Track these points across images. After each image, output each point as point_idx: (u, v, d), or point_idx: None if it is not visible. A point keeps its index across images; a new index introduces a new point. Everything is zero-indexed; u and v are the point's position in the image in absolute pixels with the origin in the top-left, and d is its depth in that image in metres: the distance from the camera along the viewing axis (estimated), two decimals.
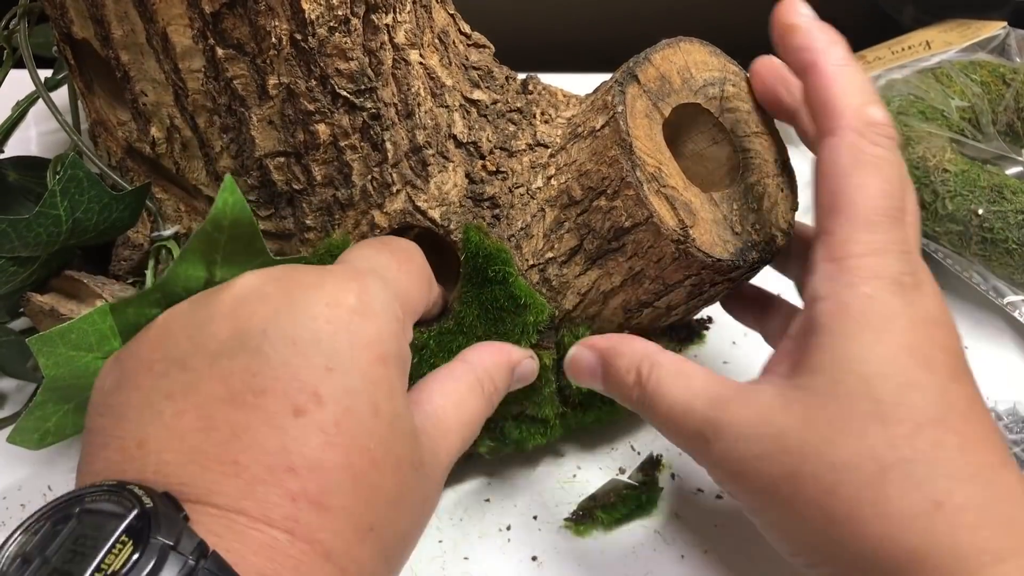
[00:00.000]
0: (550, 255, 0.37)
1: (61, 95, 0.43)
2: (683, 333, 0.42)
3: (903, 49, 0.66)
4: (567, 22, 0.81)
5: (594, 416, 0.42)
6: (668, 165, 0.35)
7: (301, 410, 0.24)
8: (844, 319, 0.29)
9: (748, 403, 0.30)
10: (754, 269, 0.37)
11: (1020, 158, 0.59)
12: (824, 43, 0.32)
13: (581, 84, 0.42)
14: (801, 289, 0.37)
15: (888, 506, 0.26)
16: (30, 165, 0.44)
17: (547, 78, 0.42)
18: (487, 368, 0.33)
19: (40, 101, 0.40)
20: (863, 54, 0.67)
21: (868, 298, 0.28)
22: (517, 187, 0.38)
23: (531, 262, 0.38)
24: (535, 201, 0.38)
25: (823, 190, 0.30)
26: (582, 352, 0.35)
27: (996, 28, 0.64)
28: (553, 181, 0.37)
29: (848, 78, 0.31)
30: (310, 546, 0.23)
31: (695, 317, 0.45)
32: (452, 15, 0.38)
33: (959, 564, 0.25)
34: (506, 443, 0.41)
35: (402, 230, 0.37)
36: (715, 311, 0.43)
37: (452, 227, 0.37)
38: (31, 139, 0.59)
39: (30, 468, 0.43)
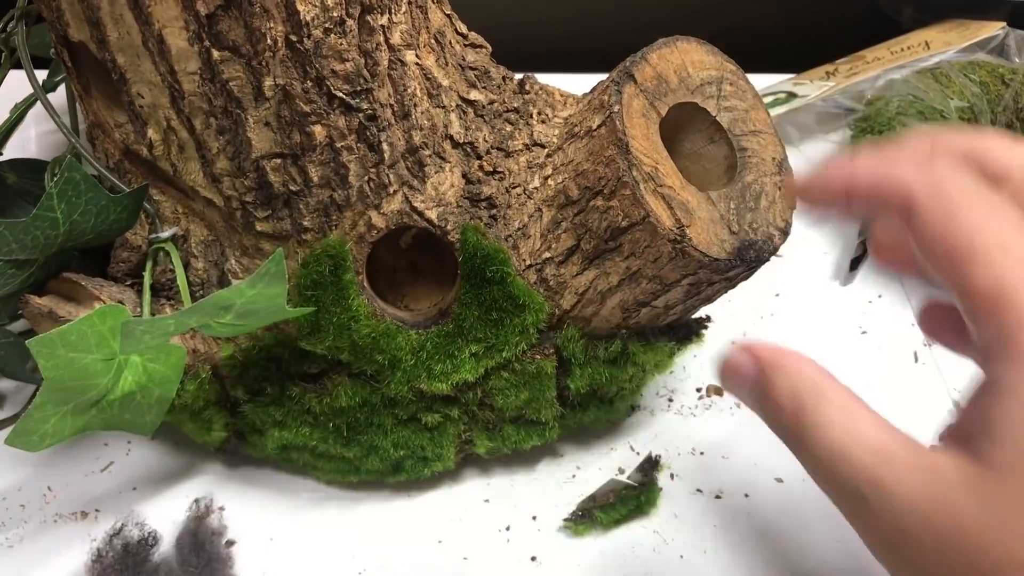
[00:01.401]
0: (547, 255, 0.37)
1: (59, 97, 0.43)
2: (682, 332, 0.42)
3: (902, 49, 0.66)
4: (566, 22, 0.81)
5: (592, 416, 0.42)
6: (665, 164, 0.35)
7: None
8: None
9: (924, 470, 0.26)
10: (752, 268, 0.37)
11: None
12: (852, 162, 0.29)
13: (579, 84, 0.42)
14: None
15: None
16: (29, 167, 0.44)
17: (545, 78, 0.42)
18: None
19: (38, 103, 0.40)
20: (862, 54, 0.67)
21: None
22: (514, 187, 0.38)
23: (528, 262, 0.38)
24: (532, 201, 0.38)
25: (940, 260, 0.27)
26: (742, 357, 0.31)
27: (995, 28, 0.64)
28: (550, 181, 0.37)
29: (890, 159, 0.28)
30: None
31: (693, 316, 0.45)
32: (448, 15, 0.38)
33: None
34: (505, 444, 0.41)
35: (399, 231, 0.37)
36: (714, 310, 0.43)
37: (449, 227, 0.37)
38: (30, 140, 0.59)
39: (30, 469, 0.43)
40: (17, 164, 0.44)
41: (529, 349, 0.38)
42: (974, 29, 0.65)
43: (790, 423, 0.29)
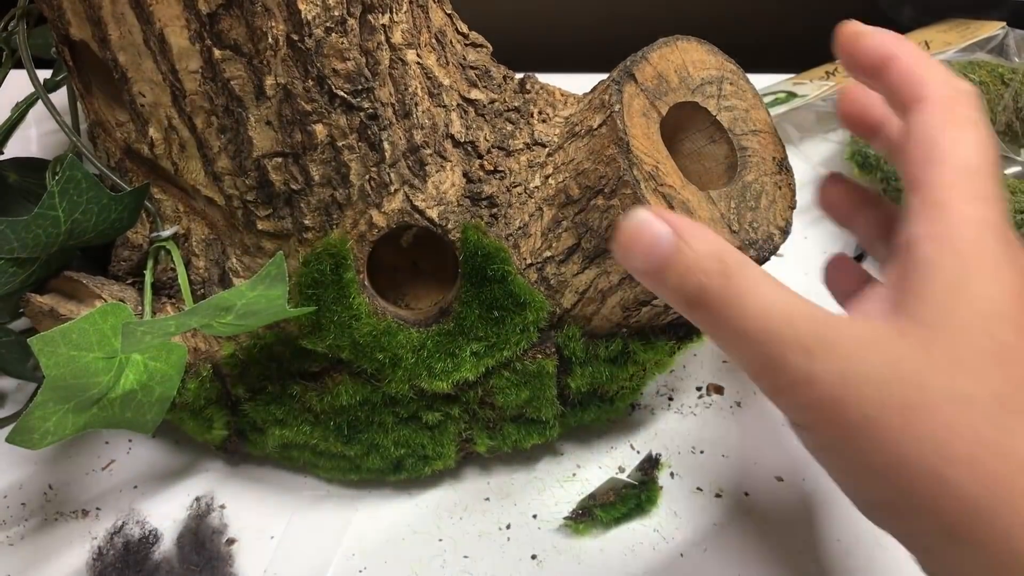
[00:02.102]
0: (548, 254, 0.37)
1: (60, 96, 0.43)
2: (682, 331, 0.42)
3: None
4: (566, 22, 0.81)
5: (593, 415, 0.42)
6: (665, 163, 0.35)
7: None
8: (955, 257, 0.27)
9: (858, 322, 0.28)
10: None
11: (1019, 158, 0.58)
12: (897, 38, 0.32)
13: (579, 84, 0.42)
14: (869, 246, 0.37)
15: (1013, 447, 0.25)
16: (30, 166, 0.44)
17: (546, 78, 0.42)
18: None
19: (40, 102, 0.40)
20: None
21: (977, 241, 0.28)
22: (515, 186, 0.38)
23: (529, 261, 0.38)
24: (533, 200, 0.38)
25: (916, 147, 0.30)
26: (650, 221, 0.29)
27: (995, 28, 0.64)
28: (551, 180, 0.37)
29: (928, 60, 0.31)
30: None
31: None
32: (449, 15, 0.38)
33: None
34: (505, 443, 0.41)
35: (400, 230, 0.38)
36: None
37: (450, 226, 0.37)
38: (31, 139, 0.59)
39: (31, 467, 0.43)
40: (18, 163, 0.44)
41: (530, 348, 0.38)
42: (974, 29, 0.65)
43: (717, 285, 0.28)
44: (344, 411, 0.38)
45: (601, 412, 0.42)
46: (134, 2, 0.31)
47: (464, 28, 0.39)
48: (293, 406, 0.39)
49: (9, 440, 0.34)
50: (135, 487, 0.43)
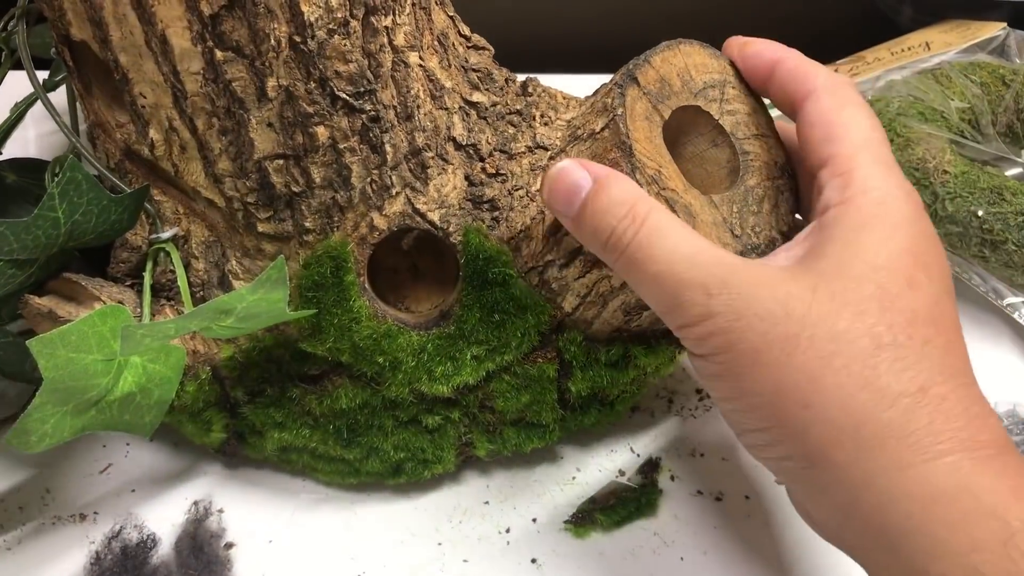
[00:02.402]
0: (549, 257, 0.37)
1: (59, 96, 0.43)
2: None
3: (903, 50, 0.65)
4: (566, 22, 0.81)
5: (593, 418, 0.42)
6: (668, 167, 0.35)
7: None
8: (857, 216, 0.30)
9: (756, 266, 0.30)
10: None
11: (1020, 159, 0.58)
12: (779, 45, 0.36)
13: (580, 84, 0.42)
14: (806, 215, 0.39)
15: (877, 381, 0.28)
16: (29, 167, 0.44)
17: (546, 79, 0.42)
18: None
19: (39, 103, 0.40)
20: (862, 55, 0.67)
21: (879, 202, 0.30)
22: (516, 189, 0.38)
23: (530, 264, 0.37)
24: (535, 203, 0.37)
25: (815, 130, 0.33)
26: (572, 168, 0.32)
27: (996, 29, 0.64)
28: None
29: (809, 60, 0.35)
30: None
31: None
32: (451, 17, 0.38)
33: (934, 445, 0.27)
34: (505, 446, 0.41)
35: (401, 233, 0.37)
36: None
37: (451, 229, 0.37)
38: (29, 140, 0.59)
39: (28, 471, 0.43)
40: (17, 164, 0.44)
41: (531, 352, 0.38)
42: (974, 30, 0.65)
43: (627, 226, 0.30)
44: (344, 414, 0.38)
45: (601, 416, 0.42)
46: (136, 3, 0.31)
47: (466, 30, 0.39)
48: (292, 409, 0.39)
49: (8, 442, 0.34)
50: (133, 491, 0.43)
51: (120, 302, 0.36)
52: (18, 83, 0.43)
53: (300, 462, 0.41)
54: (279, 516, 0.42)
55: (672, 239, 0.30)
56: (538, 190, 0.36)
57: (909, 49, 0.65)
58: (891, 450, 0.27)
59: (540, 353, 0.38)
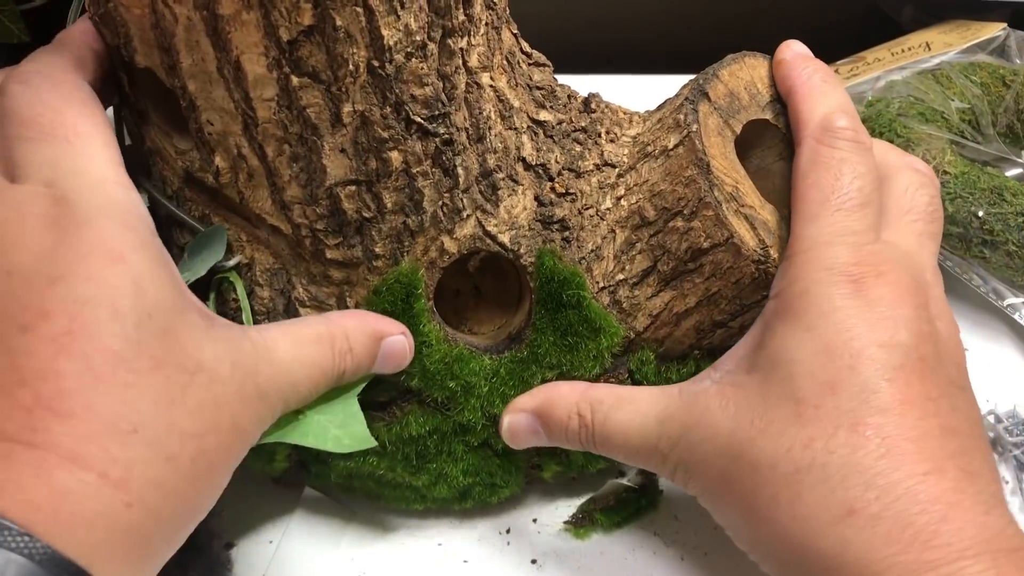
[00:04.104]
0: (621, 277, 0.37)
1: None
2: None
3: (903, 51, 0.65)
4: (566, 22, 0.80)
5: None
6: (744, 183, 0.35)
7: (26, 327, 0.24)
8: (784, 314, 0.29)
9: (692, 409, 0.31)
10: None
11: (1020, 160, 0.58)
12: (804, 70, 0.35)
13: (581, 84, 0.41)
14: None
15: (803, 509, 0.26)
16: None
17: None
18: (344, 327, 0.33)
19: None
20: (863, 55, 0.67)
21: (805, 293, 0.29)
22: (586, 208, 0.37)
23: (601, 284, 0.37)
24: (605, 222, 0.37)
25: (792, 196, 0.32)
26: (516, 418, 0.35)
27: (996, 29, 0.64)
28: (623, 201, 0.37)
29: (819, 95, 0.33)
30: (50, 452, 0.23)
31: None
32: (515, 35, 0.37)
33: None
34: (571, 468, 0.40)
35: (469, 255, 0.37)
36: None
37: (522, 251, 0.36)
38: None
39: None
40: None
41: (603, 374, 0.37)
42: (975, 30, 0.65)
43: (584, 436, 0.34)
44: (413, 441, 0.37)
45: None
46: (211, 29, 0.30)
47: (527, 48, 0.38)
48: None
49: None
50: None
51: None
52: None
53: (364, 489, 0.40)
54: (279, 517, 0.41)
55: (621, 424, 0.33)
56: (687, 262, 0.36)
57: (909, 49, 0.65)
58: None
59: (612, 375, 0.37)
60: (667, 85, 0.40)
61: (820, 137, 0.32)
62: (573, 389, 0.35)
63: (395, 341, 0.34)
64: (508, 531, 0.41)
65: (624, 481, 0.42)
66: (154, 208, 0.36)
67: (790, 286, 0.29)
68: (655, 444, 0.32)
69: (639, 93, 0.41)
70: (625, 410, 0.33)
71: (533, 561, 0.40)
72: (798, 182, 0.32)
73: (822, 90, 0.34)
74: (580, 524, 0.41)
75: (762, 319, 0.31)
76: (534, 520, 0.42)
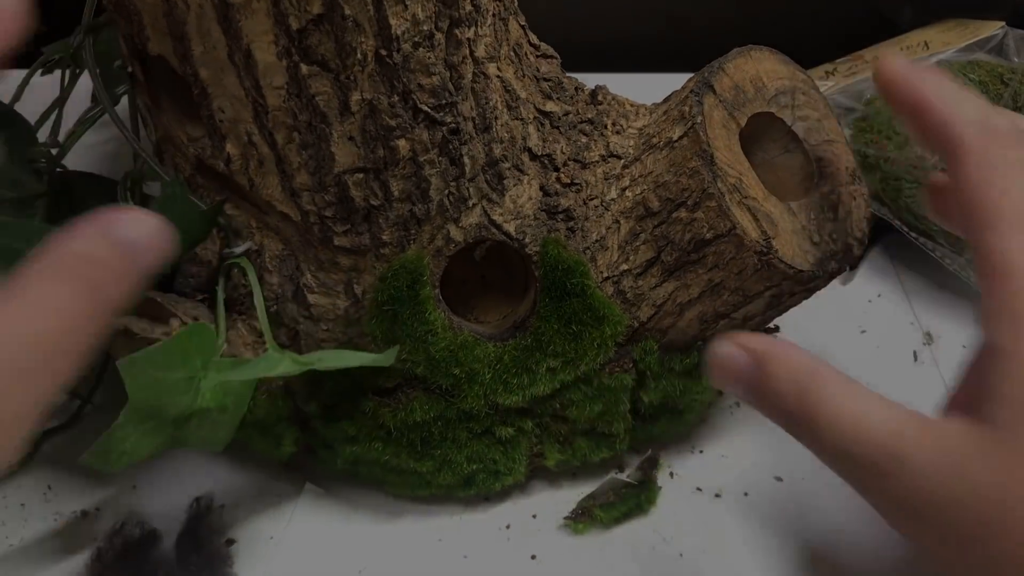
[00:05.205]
0: (625, 267, 0.37)
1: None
2: None
3: (902, 49, 0.65)
4: (567, 23, 0.80)
5: (662, 428, 0.42)
6: (748, 175, 0.35)
7: None
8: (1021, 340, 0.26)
9: (935, 439, 0.27)
10: (830, 279, 0.37)
11: None
12: (925, 77, 0.31)
13: (585, 82, 0.41)
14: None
15: None
16: (92, 180, 0.43)
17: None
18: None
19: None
20: (861, 54, 0.67)
21: None
22: (591, 199, 0.37)
23: (605, 274, 0.37)
24: (609, 213, 0.37)
25: (965, 211, 0.29)
26: (733, 351, 0.30)
27: (994, 28, 0.63)
28: (628, 192, 0.37)
29: (956, 101, 0.30)
30: None
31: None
32: (523, 27, 0.38)
33: None
34: (575, 456, 0.41)
35: (475, 243, 0.37)
36: (782, 320, 0.43)
37: (527, 240, 0.36)
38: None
39: (30, 467, 0.43)
40: (83, 178, 0.43)
41: (607, 363, 0.38)
42: (973, 29, 0.65)
43: (795, 408, 0.29)
44: (418, 427, 0.38)
45: (670, 425, 0.42)
46: (222, 17, 0.30)
47: (535, 39, 0.39)
48: (365, 423, 0.38)
49: (85, 462, 0.33)
50: (134, 488, 0.43)
51: (195, 318, 0.36)
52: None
53: (370, 475, 0.41)
54: (280, 512, 0.42)
55: (842, 415, 0.28)
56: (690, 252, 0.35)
57: (908, 48, 0.65)
58: None
59: (616, 363, 0.38)
60: (667, 84, 0.40)
61: (987, 146, 0.29)
62: (804, 356, 0.30)
63: (129, 226, 0.24)
64: (508, 526, 0.42)
65: (623, 477, 0.42)
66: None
67: (1020, 305, 0.27)
68: (876, 459, 0.27)
69: (639, 93, 0.41)
70: (851, 404, 0.29)
71: (532, 557, 0.40)
72: (977, 193, 0.28)
73: (956, 95, 0.30)
74: (579, 520, 0.41)
75: (987, 346, 0.28)
76: (534, 516, 0.42)
